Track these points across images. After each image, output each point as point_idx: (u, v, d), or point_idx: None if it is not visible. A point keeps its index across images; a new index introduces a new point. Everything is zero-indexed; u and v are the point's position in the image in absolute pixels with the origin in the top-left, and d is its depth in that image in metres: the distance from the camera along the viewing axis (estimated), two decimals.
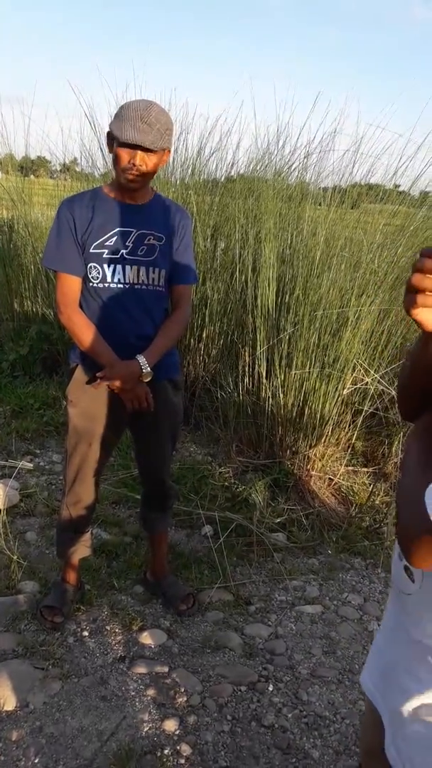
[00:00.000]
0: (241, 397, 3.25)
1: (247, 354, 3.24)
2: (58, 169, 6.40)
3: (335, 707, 1.92)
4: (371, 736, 1.01)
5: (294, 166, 3.70)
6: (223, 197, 3.90)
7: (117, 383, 1.82)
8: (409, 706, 0.91)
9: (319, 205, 3.62)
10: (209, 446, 3.48)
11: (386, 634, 1.01)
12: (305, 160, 3.58)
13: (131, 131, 1.67)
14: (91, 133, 4.15)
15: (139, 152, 1.71)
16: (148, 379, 1.85)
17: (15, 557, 2.35)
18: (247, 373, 3.23)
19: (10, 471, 3.03)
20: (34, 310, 4.68)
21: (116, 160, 1.75)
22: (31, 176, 6.06)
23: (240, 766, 1.68)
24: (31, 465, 3.16)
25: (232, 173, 4.07)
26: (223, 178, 4.09)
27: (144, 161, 1.72)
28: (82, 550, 2.13)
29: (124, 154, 1.72)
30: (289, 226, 3.41)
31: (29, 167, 6.32)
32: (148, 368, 1.83)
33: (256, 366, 3.16)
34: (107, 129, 1.77)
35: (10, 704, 1.78)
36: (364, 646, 2.18)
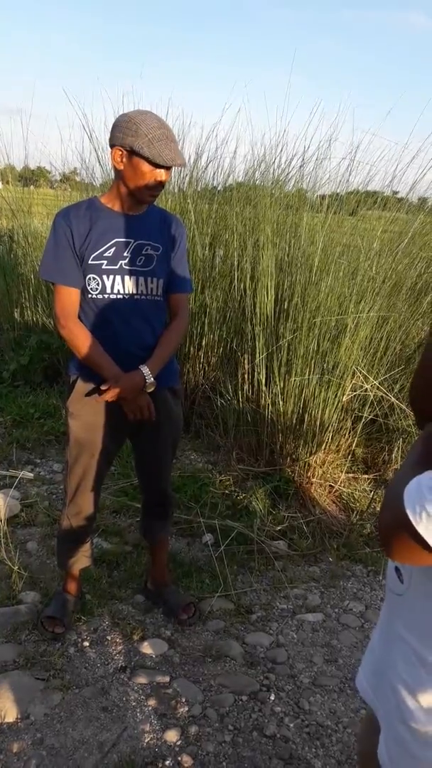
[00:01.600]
0: (240, 405, 3.25)
1: (246, 361, 3.25)
2: (58, 179, 6.44)
3: (337, 716, 1.91)
4: (367, 740, 1.02)
5: (291, 174, 3.72)
6: (221, 206, 3.92)
7: (120, 395, 1.82)
8: (396, 707, 0.92)
9: (317, 212, 3.63)
10: (209, 454, 3.48)
11: (379, 632, 1.02)
12: (302, 168, 3.60)
13: (168, 152, 1.69)
14: (89, 143, 4.18)
15: (166, 170, 1.75)
16: (152, 389, 1.86)
17: (16, 567, 2.35)
18: (246, 381, 3.24)
19: (11, 481, 3.03)
20: (34, 319, 4.70)
21: (136, 176, 1.74)
22: (32, 187, 6.09)
23: None
24: (32, 475, 3.16)
25: (230, 181, 4.09)
26: (220, 187, 4.11)
27: (167, 176, 1.77)
28: (82, 560, 2.13)
29: (154, 173, 1.73)
30: (287, 234, 3.42)
31: (29, 177, 6.36)
32: (152, 378, 1.84)
33: (256, 373, 3.16)
34: (117, 143, 1.72)
35: (11, 716, 1.77)
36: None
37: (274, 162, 3.71)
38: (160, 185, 1.77)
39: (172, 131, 1.74)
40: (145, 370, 1.84)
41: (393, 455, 3.26)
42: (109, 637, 2.13)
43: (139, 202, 1.83)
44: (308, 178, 3.65)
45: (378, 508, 3.02)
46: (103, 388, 1.82)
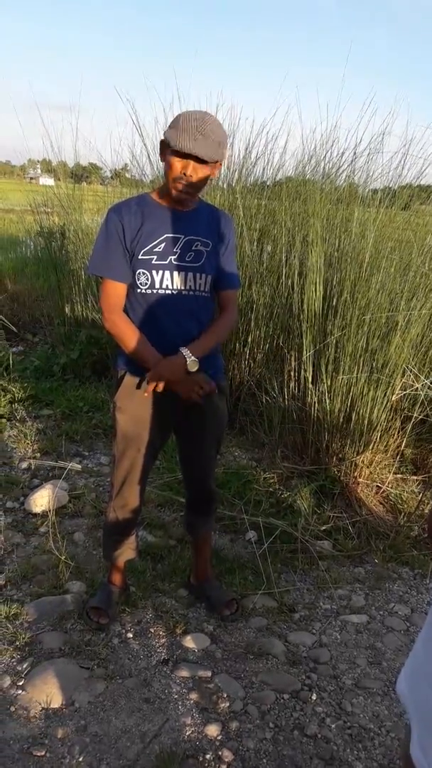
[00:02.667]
0: (286, 402, 3.23)
1: (293, 359, 3.22)
2: (109, 175, 6.53)
3: (380, 720, 1.88)
4: (409, 744, 1.00)
5: (342, 168, 3.66)
6: (270, 201, 3.89)
7: (163, 382, 1.82)
8: None
9: (369, 207, 3.56)
10: (254, 451, 3.47)
11: (424, 635, 1.00)
12: (354, 162, 3.54)
13: (187, 141, 1.68)
14: (139, 140, 4.21)
15: (192, 162, 1.72)
16: (195, 368, 1.84)
17: (63, 557, 2.40)
18: (292, 378, 3.22)
19: (60, 472, 3.10)
20: (84, 314, 4.79)
21: (168, 169, 1.75)
22: (83, 183, 6.19)
23: None
24: (80, 467, 3.23)
25: (279, 176, 4.06)
26: (270, 182, 4.08)
27: (195, 172, 1.73)
28: (127, 552, 2.16)
29: (177, 163, 1.73)
30: (337, 229, 3.37)
31: (81, 174, 6.47)
32: (192, 357, 1.82)
33: (302, 371, 3.13)
34: (161, 137, 1.77)
35: (57, 702, 1.82)
36: None
37: (324, 156, 3.66)
38: (185, 179, 1.73)
39: (213, 130, 1.70)
40: (185, 350, 1.83)
41: None
42: (152, 630, 2.15)
43: (172, 198, 1.81)
44: (360, 172, 3.59)
45: (427, 510, 2.95)
46: (147, 376, 1.83)
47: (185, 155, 1.71)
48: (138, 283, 1.84)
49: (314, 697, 1.94)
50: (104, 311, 1.88)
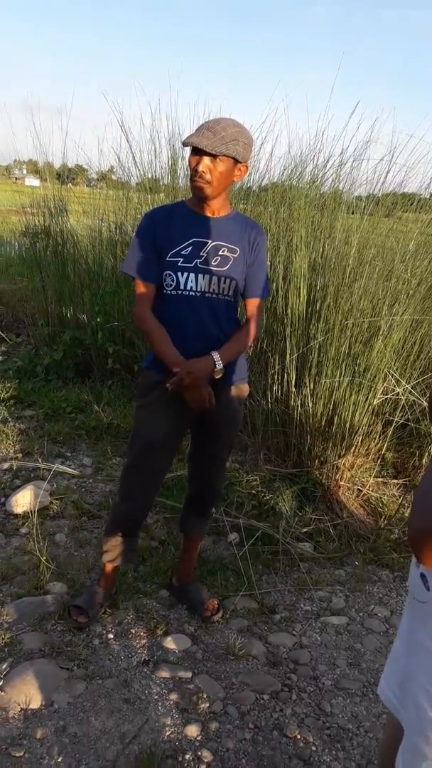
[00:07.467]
0: (269, 406, 3.24)
1: (276, 362, 3.24)
2: (95, 177, 6.52)
3: (359, 720, 1.90)
4: (389, 747, 1.01)
5: (328, 174, 3.69)
6: (255, 206, 3.91)
7: (188, 379, 1.84)
8: (417, 718, 0.91)
9: (352, 213, 3.60)
10: (237, 453, 3.48)
11: (403, 641, 1.01)
12: (339, 169, 3.57)
13: (193, 136, 1.76)
14: (126, 143, 4.21)
15: (204, 158, 1.77)
16: (219, 376, 1.89)
17: (44, 558, 2.39)
18: (276, 382, 3.23)
19: (42, 473, 3.08)
20: (68, 315, 4.77)
21: (188, 168, 1.85)
22: (69, 184, 6.17)
23: None
24: (71, 470, 3.21)
25: (265, 182, 4.08)
26: (255, 187, 4.10)
27: (207, 168, 1.78)
28: (119, 557, 2.13)
29: (191, 159, 1.81)
30: (321, 235, 3.40)
31: (67, 175, 6.45)
32: (221, 364, 1.88)
33: (286, 374, 3.15)
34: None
35: (36, 702, 1.81)
36: None
37: (310, 162, 3.70)
38: (198, 174, 1.79)
39: (224, 128, 1.75)
40: (216, 355, 1.87)
41: (424, 460, 3.21)
42: (133, 631, 2.15)
43: (199, 199, 1.87)
44: (344, 179, 3.62)
45: (407, 514, 2.98)
46: (175, 370, 1.85)
47: (194, 150, 1.78)
48: (164, 284, 1.90)
49: (294, 697, 1.95)
50: (134, 309, 1.95)
